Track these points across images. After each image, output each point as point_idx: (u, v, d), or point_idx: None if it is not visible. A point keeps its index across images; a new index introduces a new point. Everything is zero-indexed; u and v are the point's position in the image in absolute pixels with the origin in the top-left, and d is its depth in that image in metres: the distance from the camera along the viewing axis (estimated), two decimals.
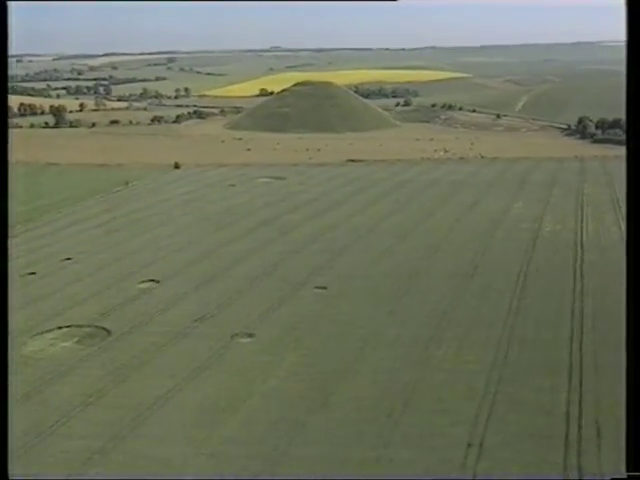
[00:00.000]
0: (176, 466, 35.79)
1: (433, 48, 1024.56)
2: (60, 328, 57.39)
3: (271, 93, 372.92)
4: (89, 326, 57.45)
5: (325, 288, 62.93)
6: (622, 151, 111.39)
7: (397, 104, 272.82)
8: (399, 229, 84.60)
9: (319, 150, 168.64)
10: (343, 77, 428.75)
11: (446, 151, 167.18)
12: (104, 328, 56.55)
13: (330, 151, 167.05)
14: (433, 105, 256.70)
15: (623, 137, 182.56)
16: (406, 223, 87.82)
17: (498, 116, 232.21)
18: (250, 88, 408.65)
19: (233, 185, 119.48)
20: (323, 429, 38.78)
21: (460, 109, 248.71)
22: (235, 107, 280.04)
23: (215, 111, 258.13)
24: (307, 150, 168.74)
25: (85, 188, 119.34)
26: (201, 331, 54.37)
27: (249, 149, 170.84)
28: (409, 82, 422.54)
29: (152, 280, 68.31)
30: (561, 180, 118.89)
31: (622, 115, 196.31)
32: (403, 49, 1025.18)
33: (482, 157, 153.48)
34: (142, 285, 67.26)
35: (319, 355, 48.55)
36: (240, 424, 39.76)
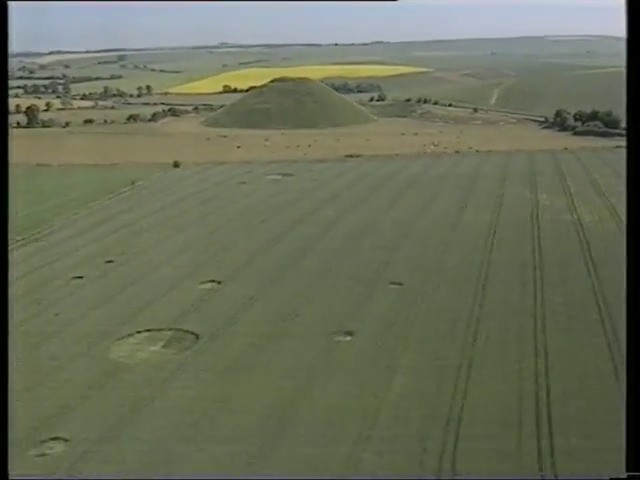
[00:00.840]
0: (348, 466, 35.04)
1: (381, 43, 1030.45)
2: (139, 332, 55.61)
3: (234, 90, 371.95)
4: (169, 329, 55.82)
5: (400, 284, 62.51)
6: (607, 142, 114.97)
7: (371, 99, 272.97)
8: (441, 221, 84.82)
9: (310, 146, 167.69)
10: (304, 73, 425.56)
11: (436, 145, 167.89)
12: (188, 331, 55.08)
13: (321, 147, 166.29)
14: (408, 100, 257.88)
15: (604, 129, 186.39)
16: (444, 215, 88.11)
17: (475, 110, 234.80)
18: (212, 85, 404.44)
19: (244, 183, 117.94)
20: (477, 423, 38.50)
21: (435, 103, 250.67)
22: (205, 104, 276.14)
23: (188, 109, 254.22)
24: (298, 146, 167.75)
25: (90, 188, 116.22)
26: (294, 331, 53.39)
27: (239, 146, 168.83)
28: (371, 77, 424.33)
29: (212, 281, 66.82)
30: (567, 171, 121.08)
31: (598, 107, 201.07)
32: (352, 44, 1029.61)
33: (477, 151, 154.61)
34: (204, 286, 65.73)
35: (434, 351, 48.20)
36: (389, 422, 39.14)
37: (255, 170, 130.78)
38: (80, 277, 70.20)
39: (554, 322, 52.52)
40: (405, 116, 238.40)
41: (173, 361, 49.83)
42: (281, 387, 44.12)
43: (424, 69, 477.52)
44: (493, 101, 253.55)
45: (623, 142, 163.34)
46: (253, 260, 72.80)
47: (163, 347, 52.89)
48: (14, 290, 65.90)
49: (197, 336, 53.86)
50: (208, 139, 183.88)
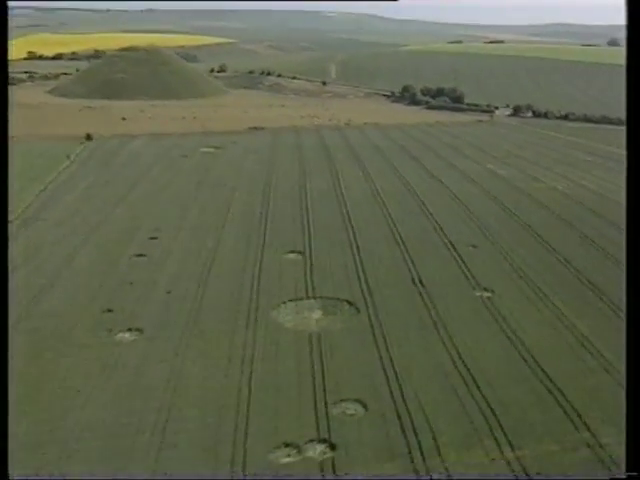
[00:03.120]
0: None
1: (153, 11, 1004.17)
2: (284, 303, 56.93)
3: (40, 57, 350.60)
4: (309, 298, 57.77)
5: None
6: (466, 117, 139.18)
7: (212, 70, 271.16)
8: (436, 193, 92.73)
9: (195, 118, 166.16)
10: (108, 41, 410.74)
11: (315, 117, 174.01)
12: (337, 298, 57.36)
13: (207, 119, 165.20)
14: (251, 72, 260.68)
15: (452, 104, 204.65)
16: (435, 187, 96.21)
17: (324, 83, 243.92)
18: (12, 50, 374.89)
19: (185, 156, 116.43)
20: None
21: (279, 76, 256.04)
22: (32, 72, 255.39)
23: (22, 76, 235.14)
24: (184, 118, 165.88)
25: (21, 164, 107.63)
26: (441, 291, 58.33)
27: (124, 118, 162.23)
28: (181, 47, 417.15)
29: (292, 251, 68.69)
30: (475, 143, 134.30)
31: (439, 83, 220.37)
32: (126, 11, 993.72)
33: (365, 123, 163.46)
34: (288, 256, 67.47)
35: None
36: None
37: (179, 143, 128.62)
38: (142, 255, 68.28)
39: None
40: (253, 88, 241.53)
41: (354, 329, 51.88)
42: (495, 347, 49.31)
43: (230, 40, 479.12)
44: (334, 75, 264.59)
45: (480, 117, 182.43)
46: (321, 238, 73.07)
47: (324, 315, 54.98)
48: (80, 265, 63.42)
49: (350, 303, 56.60)
50: (80, 110, 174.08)
